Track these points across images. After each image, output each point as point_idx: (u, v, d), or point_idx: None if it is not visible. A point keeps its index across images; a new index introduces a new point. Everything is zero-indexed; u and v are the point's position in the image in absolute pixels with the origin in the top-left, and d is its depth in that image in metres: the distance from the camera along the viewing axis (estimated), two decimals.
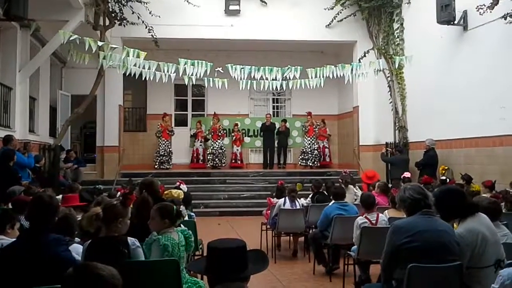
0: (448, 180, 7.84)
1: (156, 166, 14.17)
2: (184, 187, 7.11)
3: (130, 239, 3.40)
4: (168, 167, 14.27)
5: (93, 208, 3.87)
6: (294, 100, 16.36)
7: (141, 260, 3.44)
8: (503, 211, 5.94)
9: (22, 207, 4.32)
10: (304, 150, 15.02)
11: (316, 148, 14.99)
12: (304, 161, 14.91)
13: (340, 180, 8.87)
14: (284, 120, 15.41)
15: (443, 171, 9.08)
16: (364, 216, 5.28)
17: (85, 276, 1.91)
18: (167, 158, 14.38)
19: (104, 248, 3.27)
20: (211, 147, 14.64)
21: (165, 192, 5.84)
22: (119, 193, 6.93)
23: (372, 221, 5.19)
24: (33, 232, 3.14)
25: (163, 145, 14.39)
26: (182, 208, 3.70)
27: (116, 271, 1.96)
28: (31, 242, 3.03)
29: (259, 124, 15.60)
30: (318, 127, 15.12)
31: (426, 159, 10.25)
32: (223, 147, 14.74)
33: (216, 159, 14.48)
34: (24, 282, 2.86)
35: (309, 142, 14.99)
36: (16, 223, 3.87)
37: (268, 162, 15.02)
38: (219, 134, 14.73)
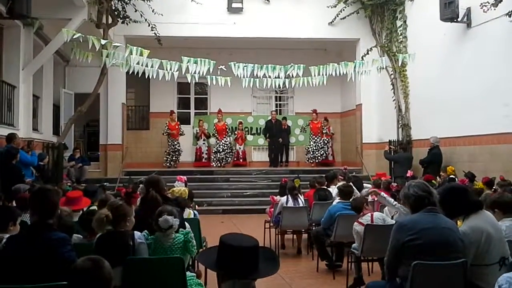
0: (456, 179, 7.71)
1: (168, 165, 14.11)
2: (180, 183, 7.00)
3: (137, 233, 3.55)
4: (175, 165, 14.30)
5: (101, 210, 3.79)
6: (297, 98, 16.33)
7: (146, 257, 3.50)
8: None
9: (27, 205, 4.33)
10: (309, 148, 14.97)
11: (322, 147, 14.91)
12: (312, 159, 14.87)
13: (340, 176, 8.80)
14: (285, 118, 15.36)
15: (453, 172, 8.92)
16: (357, 221, 5.23)
17: None
18: (179, 156, 14.38)
19: (112, 241, 3.42)
20: (217, 145, 14.51)
21: (170, 190, 5.82)
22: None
23: (366, 223, 5.12)
24: (35, 228, 3.12)
25: (177, 144, 14.30)
26: (174, 221, 3.61)
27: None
28: (34, 240, 3.02)
29: (262, 122, 15.53)
30: (325, 127, 15.04)
31: (430, 157, 10.21)
32: (230, 144, 14.72)
33: (228, 157, 14.48)
34: (27, 280, 2.86)
35: (315, 139, 14.92)
36: (18, 218, 3.88)
37: (273, 159, 14.95)
38: (228, 132, 14.75)
